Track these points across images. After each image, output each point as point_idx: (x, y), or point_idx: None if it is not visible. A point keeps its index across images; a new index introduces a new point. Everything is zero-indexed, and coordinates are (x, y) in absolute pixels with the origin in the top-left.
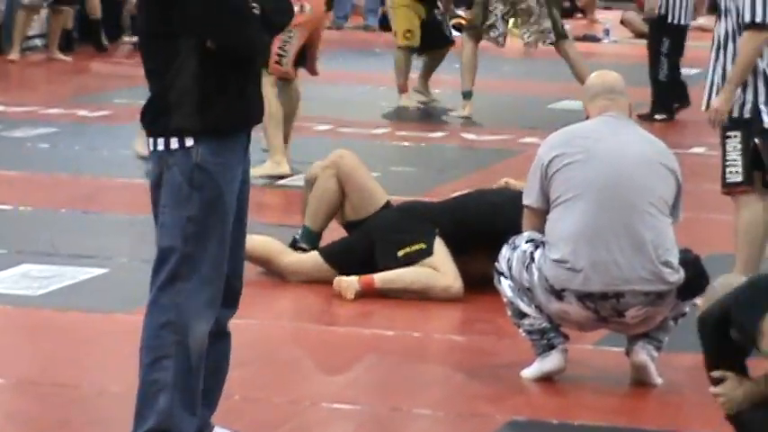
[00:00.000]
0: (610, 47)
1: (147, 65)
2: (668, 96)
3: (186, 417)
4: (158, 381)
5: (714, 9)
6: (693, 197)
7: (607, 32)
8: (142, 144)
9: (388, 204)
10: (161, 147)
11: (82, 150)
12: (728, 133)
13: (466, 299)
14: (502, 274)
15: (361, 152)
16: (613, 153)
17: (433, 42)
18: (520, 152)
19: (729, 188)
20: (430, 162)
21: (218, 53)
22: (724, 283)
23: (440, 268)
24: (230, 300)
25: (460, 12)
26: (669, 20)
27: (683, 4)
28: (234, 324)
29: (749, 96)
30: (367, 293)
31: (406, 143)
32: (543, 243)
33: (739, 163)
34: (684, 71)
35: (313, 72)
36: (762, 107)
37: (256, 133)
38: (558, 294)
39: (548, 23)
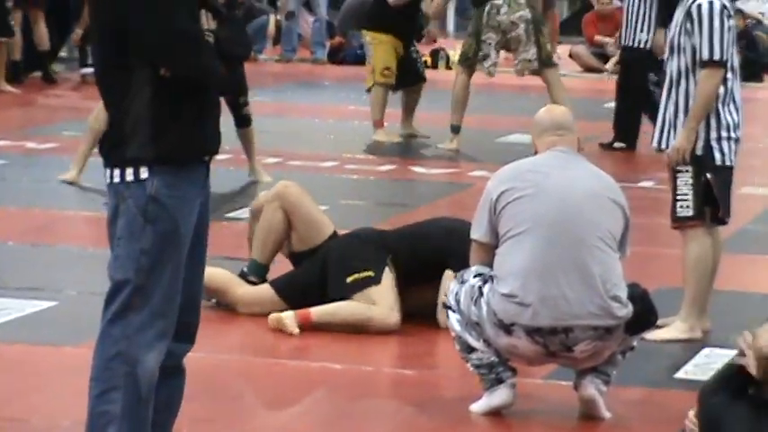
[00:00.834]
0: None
1: (104, 97)
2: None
3: None
4: (107, 412)
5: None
6: (642, 231)
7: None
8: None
9: (334, 234)
10: (117, 179)
11: (30, 182)
12: (680, 168)
13: (415, 332)
14: (450, 308)
15: (310, 185)
16: (562, 188)
17: (405, 79)
18: (469, 185)
19: (679, 222)
20: (378, 195)
21: (173, 82)
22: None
23: (379, 301)
24: (186, 334)
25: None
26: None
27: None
28: None
29: (701, 133)
30: (305, 328)
31: (354, 176)
32: (492, 277)
33: (690, 198)
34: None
35: None
36: (713, 144)
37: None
38: (507, 329)
39: (533, 51)
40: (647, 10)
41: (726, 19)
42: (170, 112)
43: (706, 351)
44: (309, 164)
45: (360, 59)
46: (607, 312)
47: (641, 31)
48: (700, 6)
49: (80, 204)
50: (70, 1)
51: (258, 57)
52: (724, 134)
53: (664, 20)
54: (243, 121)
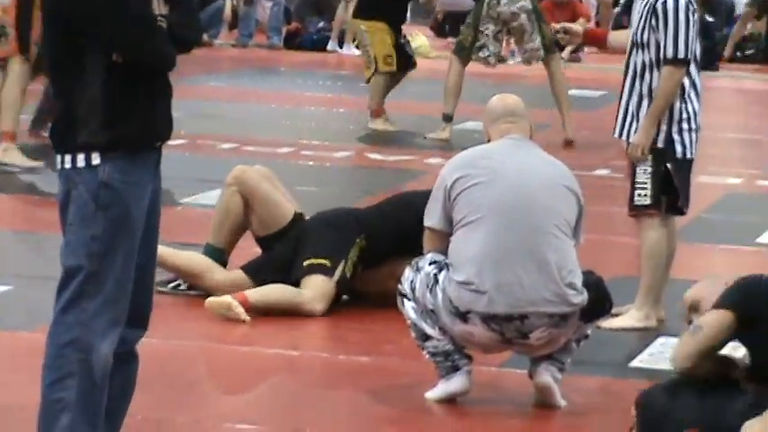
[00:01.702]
0: (515, 67)
1: (55, 83)
2: None
3: None
4: (61, 399)
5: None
6: (598, 219)
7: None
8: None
9: (300, 216)
10: (68, 165)
11: None
12: None
13: (371, 319)
14: (405, 296)
15: None
16: (517, 175)
17: (402, 65)
18: (424, 172)
19: (636, 211)
20: (334, 182)
21: (125, 68)
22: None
23: (315, 289)
24: (139, 320)
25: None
26: None
27: None
28: None
29: (663, 126)
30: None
31: (310, 162)
32: (447, 265)
33: (648, 186)
34: (590, 93)
35: None
36: (675, 136)
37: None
38: (463, 316)
39: (539, 40)
40: None
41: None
42: (122, 97)
43: (661, 340)
44: (265, 150)
45: (316, 45)
46: (563, 299)
47: None
48: (665, 3)
49: (32, 188)
50: None
51: (214, 42)
52: (685, 126)
53: None
54: None
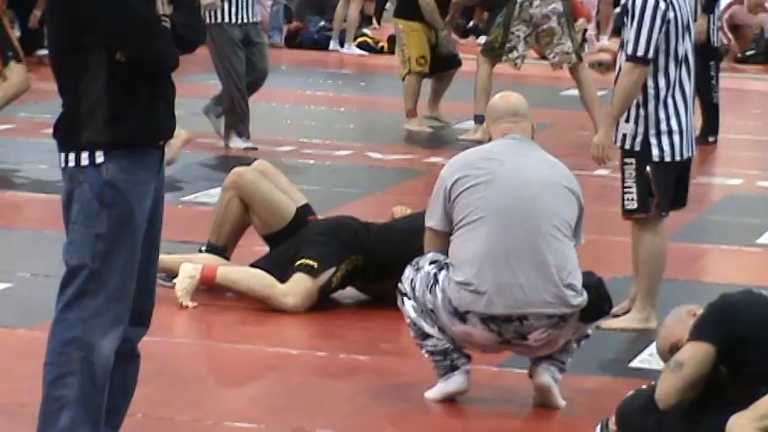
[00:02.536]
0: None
1: (58, 80)
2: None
3: None
4: (62, 397)
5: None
6: (598, 219)
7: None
8: None
9: (307, 207)
10: (72, 163)
11: None
12: (626, 160)
13: (370, 319)
14: (405, 294)
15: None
16: (517, 175)
17: (439, 65)
18: (425, 172)
19: (627, 215)
20: (334, 181)
21: (129, 67)
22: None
23: (293, 286)
24: (141, 318)
25: (366, 30)
26: (713, 43)
27: (715, 28)
28: None
29: (639, 128)
30: (207, 284)
31: (311, 161)
32: (447, 265)
33: (634, 190)
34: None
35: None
36: (652, 140)
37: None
38: (462, 316)
39: (570, 44)
40: None
41: (659, 14)
42: (125, 96)
43: None
44: (266, 148)
45: (317, 44)
46: (562, 301)
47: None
48: (634, 1)
49: (35, 186)
50: None
51: None
52: (664, 128)
53: (705, 7)
54: None
